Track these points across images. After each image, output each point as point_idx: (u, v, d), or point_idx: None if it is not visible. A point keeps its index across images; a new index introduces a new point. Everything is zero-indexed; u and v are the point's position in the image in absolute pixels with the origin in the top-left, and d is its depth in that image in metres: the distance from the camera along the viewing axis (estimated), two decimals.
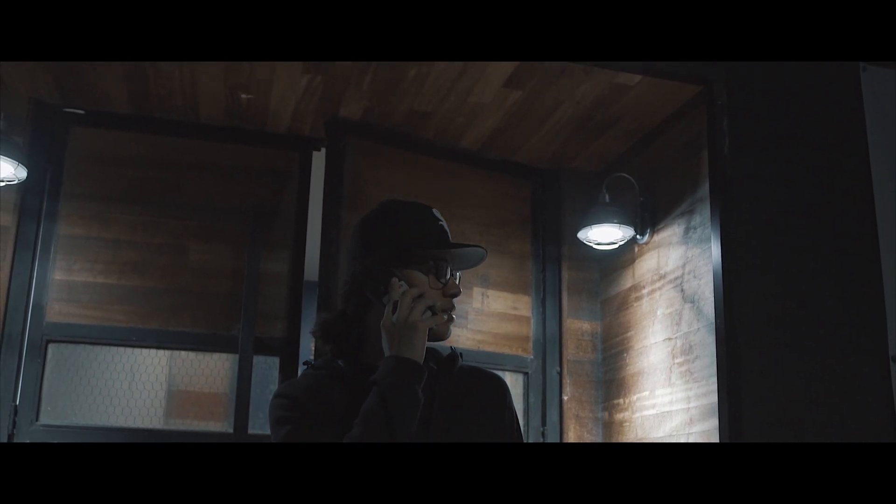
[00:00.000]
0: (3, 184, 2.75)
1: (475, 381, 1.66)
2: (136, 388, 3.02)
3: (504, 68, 2.81)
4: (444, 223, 1.59)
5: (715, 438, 2.63)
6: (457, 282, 1.59)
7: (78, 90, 3.03)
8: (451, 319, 1.56)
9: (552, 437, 3.33)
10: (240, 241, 3.18)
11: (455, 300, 1.57)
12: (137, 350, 3.04)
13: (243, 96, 3.04)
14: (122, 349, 3.03)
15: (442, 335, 1.56)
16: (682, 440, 2.84)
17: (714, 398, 2.64)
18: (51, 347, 2.97)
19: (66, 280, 3.02)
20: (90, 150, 3.14)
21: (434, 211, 1.60)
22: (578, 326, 3.45)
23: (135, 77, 2.92)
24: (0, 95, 2.85)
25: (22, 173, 2.75)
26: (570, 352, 3.41)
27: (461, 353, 1.69)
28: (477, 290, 3.36)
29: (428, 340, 1.55)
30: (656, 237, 3.14)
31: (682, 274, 2.94)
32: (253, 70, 2.86)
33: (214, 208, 3.20)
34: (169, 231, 3.15)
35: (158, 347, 3.05)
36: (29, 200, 3.01)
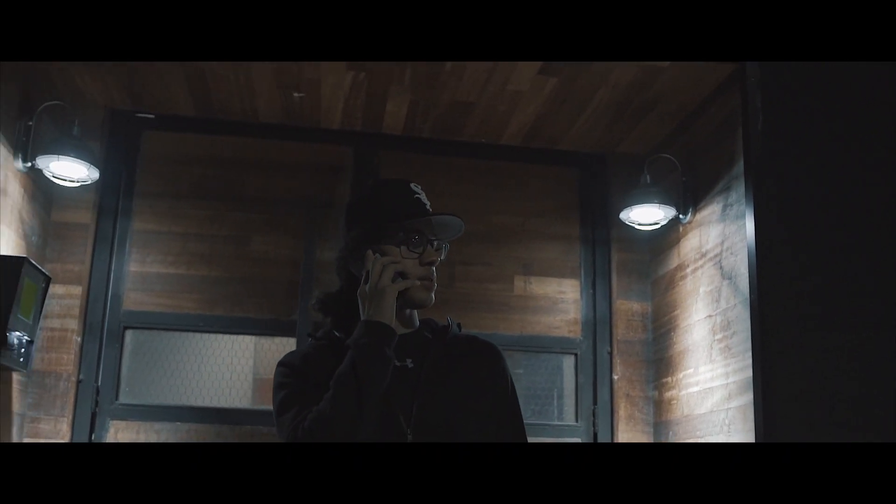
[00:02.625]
0: (78, 184, 3.02)
1: (468, 348, 1.74)
2: (209, 370, 3.26)
3: None
4: (420, 195, 1.68)
5: (751, 413, 2.66)
6: (441, 253, 1.69)
7: (147, 97, 3.28)
8: (425, 287, 1.64)
9: (603, 416, 3.40)
10: (298, 232, 3.38)
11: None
12: (207, 335, 3.29)
13: (295, 95, 3.22)
14: (192, 334, 3.28)
15: (421, 301, 1.65)
16: (722, 415, 2.87)
17: (750, 373, 2.67)
18: (128, 333, 3.25)
19: (140, 272, 3.29)
20: (160, 151, 3.41)
21: (412, 185, 1.69)
22: (628, 307, 3.51)
23: (195, 82, 3.14)
24: (77, 105, 3.13)
25: (94, 174, 3.01)
26: (620, 332, 3.47)
27: (459, 324, 1.80)
28: (520, 277, 3.47)
29: (408, 308, 1.66)
30: (698, 216, 3.16)
31: (721, 251, 2.96)
32: (301, 69, 3.03)
33: (274, 201, 3.42)
34: (233, 224, 3.38)
35: (224, 332, 3.29)
36: (106, 200, 3.30)
